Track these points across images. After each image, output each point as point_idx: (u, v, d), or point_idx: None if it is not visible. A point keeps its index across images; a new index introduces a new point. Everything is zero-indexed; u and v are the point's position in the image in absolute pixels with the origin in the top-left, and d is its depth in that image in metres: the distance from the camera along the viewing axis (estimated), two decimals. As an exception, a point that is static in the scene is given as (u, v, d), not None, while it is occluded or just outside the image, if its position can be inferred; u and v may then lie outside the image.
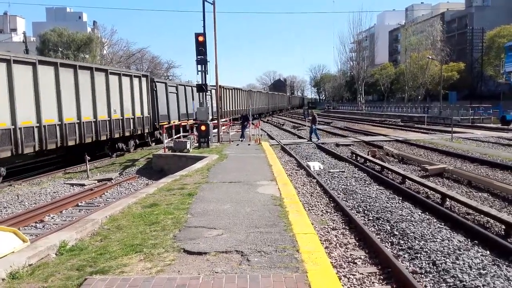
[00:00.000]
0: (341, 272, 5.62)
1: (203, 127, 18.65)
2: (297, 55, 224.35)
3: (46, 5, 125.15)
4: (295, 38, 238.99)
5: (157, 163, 16.85)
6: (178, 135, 20.72)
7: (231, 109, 41.89)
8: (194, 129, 20.59)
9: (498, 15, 64.28)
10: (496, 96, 51.85)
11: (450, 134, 23.91)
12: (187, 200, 7.85)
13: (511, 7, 67.18)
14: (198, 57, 18.63)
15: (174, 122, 24.91)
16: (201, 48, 18.40)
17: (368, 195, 10.18)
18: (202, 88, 19.27)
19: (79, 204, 11.25)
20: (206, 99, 19.82)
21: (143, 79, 23.09)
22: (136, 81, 22.13)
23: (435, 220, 7.85)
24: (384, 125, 38.24)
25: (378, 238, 7.04)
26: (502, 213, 7.89)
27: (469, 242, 6.60)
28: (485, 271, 5.43)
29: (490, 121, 38.21)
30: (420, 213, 8.34)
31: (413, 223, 7.68)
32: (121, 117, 20.37)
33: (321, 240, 6.39)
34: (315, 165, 14.69)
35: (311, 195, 10.43)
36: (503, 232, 7.18)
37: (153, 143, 24.54)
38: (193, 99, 29.06)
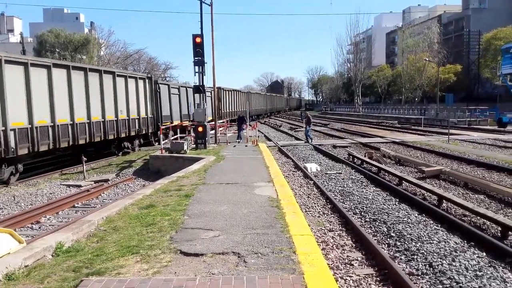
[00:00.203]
0: (337, 274, 5.61)
1: (200, 128, 18.65)
2: (294, 57, 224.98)
3: (43, 6, 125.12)
4: (293, 40, 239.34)
5: (154, 164, 16.83)
6: (175, 136, 20.73)
7: (230, 110, 42.26)
8: (191, 130, 20.60)
9: (495, 17, 64.51)
10: (493, 98, 52.01)
11: (447, 136, 23.96)
12: (184, 201, 7.83)
13: (508, 9, 67.48)
14: (196, 58, 18.64)
15: (177, 122, 25.13)
16: (198, 49, 18.40)
17: (365, 196, 10.19)
18: (199, 89, 19.30)
19: (76, 205, 11.22)
20: (204, 100, 19.82)
21: (147, 81, 23.81)
22: (141, 83, 22.81)
23: (431, 222, 7.86)
24: (381, 127, 38.27)
25: (375, 239, 7.04)
26: (499, 215, 7.91)
27: (466, 244, 6.61)
28: (482, 273, 5.45)
29: (486, 123, 38.31)
30: (416, 215, 8.35)
31: (410, 224, 7.69)
32: (127, 118, 21.04)
33: (318, 242, 6.39)
34: (312, 167, 14.71)
35: (308, 197, 10.42)
36: (499, 234, 7.21)
37: (156, 143, 24.83)
38: (194, 100, 29.21)
